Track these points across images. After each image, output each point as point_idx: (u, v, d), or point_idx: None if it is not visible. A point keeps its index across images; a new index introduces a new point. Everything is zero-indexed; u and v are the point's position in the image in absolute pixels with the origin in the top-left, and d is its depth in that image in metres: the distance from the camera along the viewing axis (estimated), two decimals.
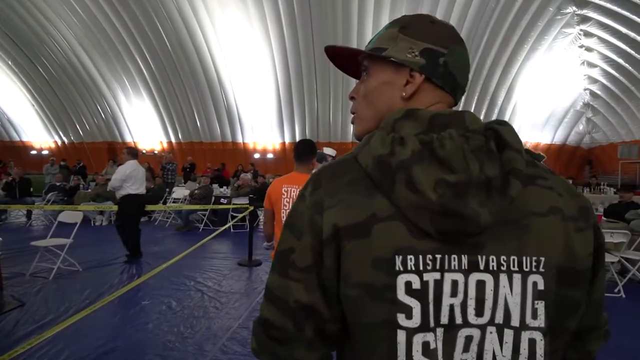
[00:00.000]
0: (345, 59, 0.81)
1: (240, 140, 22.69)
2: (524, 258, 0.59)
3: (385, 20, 18.44)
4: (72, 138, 22.81)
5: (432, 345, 0.57)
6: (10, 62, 20.55)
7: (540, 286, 0.58)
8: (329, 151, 5.16)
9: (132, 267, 5.76)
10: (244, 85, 20.52)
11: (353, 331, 0.62)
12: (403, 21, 0.73)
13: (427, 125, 0.62)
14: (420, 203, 0.56)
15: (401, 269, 0.57)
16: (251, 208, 6.23)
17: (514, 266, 0.59)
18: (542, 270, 0.59)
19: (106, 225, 8.76)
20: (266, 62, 19.77)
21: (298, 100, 21.11)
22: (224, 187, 9.82)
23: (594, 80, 18.49)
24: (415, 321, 0.57)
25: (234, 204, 8.10)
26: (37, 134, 23.06)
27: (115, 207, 6.88)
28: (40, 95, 21.85)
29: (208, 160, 18.33)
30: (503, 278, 0.58)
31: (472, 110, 0.71)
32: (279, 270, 0.65)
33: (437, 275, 0.58)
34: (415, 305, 0.57)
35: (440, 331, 0.58)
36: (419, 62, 0.68)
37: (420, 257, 0.58)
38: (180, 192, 9.57)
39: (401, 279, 0.57)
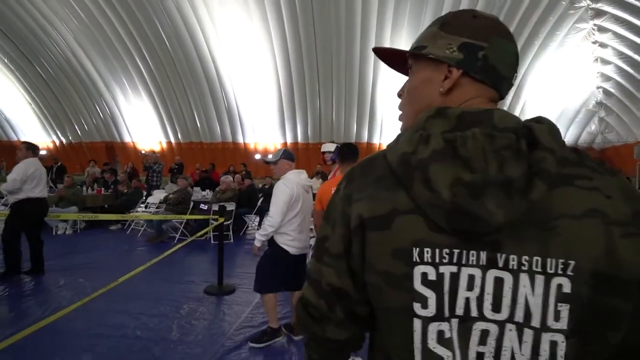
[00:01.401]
0: (395, 59, 0.79)
1: (240, 140, 21.33)
2: (548, 260, 0.56)
3: (389, 17, 17.00)
4: (70, 138, 21.47)
5: (447, 335, 0.58)
6: (6, 60, 19.27)
7: (566, 289, 0.55)
8: (328, 147, 4.09)
9: (62, 293, 4.31)
10: (244, 84, 19.25)
11: (377, 316, 0.65)
12: (444, 18, 0.71)
13: (455, 124, 0.61)
14: (435, 201, 0.56)
15: (418, 260, 0.58)
16: (221, 220, 4.75)
17: (536, 267, 0.56)
18: (571, 273, 0.55)
19: (70, 235, 7.32)
20: (267, 60, 18.46)
21: (300, 99, 19.79)
22: (207, 191, 8.32)
23: (608, 78, 16.93)
24: (431, 310, 0.58)
25: (214, 211, 6.64)
26: (35, 134, 21.70)
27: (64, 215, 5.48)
28: (37, 94, 20.55)
29: (208, 161, 16.97)
30: (524, 278, 0.57)
31: None
32: (316, 256, 0.71)
33: (453, 269, 0.58)
34: (430, 295, 0.58)
35: (455, 322, 0.58)
36: (456, 57, 0.66)
37: (437, 250, 0.58)
38: (158, 196, 8.09)
39: (417, 270, 0.58)
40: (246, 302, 4.27)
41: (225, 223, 6.63)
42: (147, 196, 8.50)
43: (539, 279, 0.56)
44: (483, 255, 0.57)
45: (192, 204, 7.25)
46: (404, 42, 17.43)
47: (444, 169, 0.56)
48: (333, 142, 4.43)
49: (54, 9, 17.20)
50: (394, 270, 0.59)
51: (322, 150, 4.16)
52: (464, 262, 0.57)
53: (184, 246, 6.62)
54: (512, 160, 0.55)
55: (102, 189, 8.76)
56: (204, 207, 7.10)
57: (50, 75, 19.89)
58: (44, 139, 21.79)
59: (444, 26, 0.68)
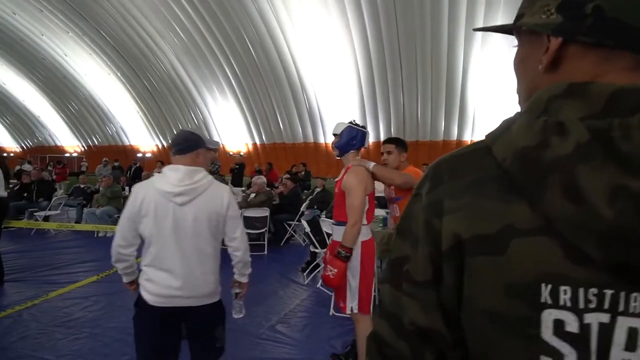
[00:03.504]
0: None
1: (322, 140, 20.29)
2: None
3: (481, 4, 14.39)
4: (170, 141, 22.69)
5: None
6: (119, 74, 20.90)
7: None
8: (337, 128, 2.56)
9: None
10: (324, 82, 18.18)
11: None
12: None
13: (604, 106, 0.40)
14: (585, 219, 0.38)
15: (549, 302, 0.40)
16: None
17: None
18: None
19: (112, 237, 6.73)
20: (347, 57, 17.13)
21: (382, 95, 18.05)
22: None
23: None
24: None
25: (244, 216, 5.44)
26: (143, 139, 23.43)
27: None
28: (144, 104, 22.11)
29: (291, 162, 16.22)
30: None
31: None
32: (391, 281, 0.51)
33: (604, 318, 0.39)
34: (568, 352, 0.40)
35: None
36: (553, 21, 0.45)
37: (581, 290, 0.40)
38: None
39: (548, 315, 0.40)
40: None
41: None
42: None
43: None
44: None
45: None
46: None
47: (598, 172, 0.37)
48: (354, 123, 2.59)
49: (157, 28, 18.00)
50: (509, 311, 0.42)
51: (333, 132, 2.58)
52: (621, 308, 0.39)
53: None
54: None
55: None
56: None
57: (154, 87, 21.17)
58: (149, 143, 23.34)
59: None
